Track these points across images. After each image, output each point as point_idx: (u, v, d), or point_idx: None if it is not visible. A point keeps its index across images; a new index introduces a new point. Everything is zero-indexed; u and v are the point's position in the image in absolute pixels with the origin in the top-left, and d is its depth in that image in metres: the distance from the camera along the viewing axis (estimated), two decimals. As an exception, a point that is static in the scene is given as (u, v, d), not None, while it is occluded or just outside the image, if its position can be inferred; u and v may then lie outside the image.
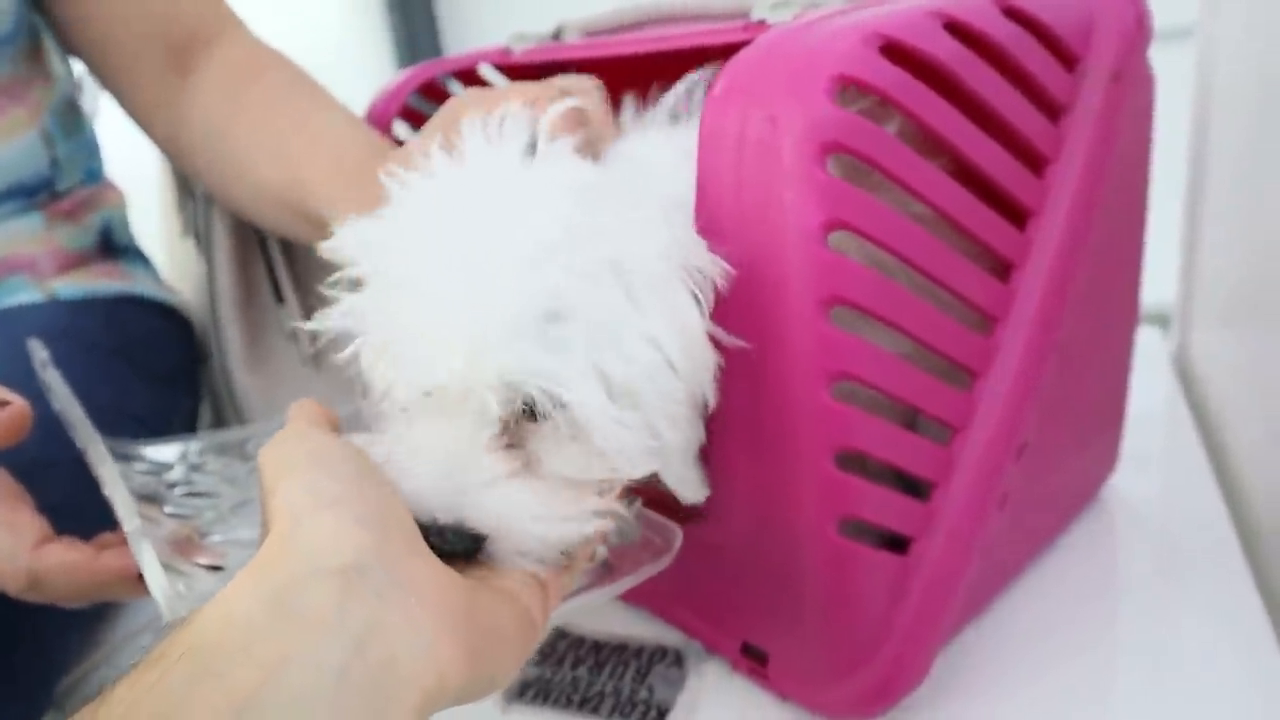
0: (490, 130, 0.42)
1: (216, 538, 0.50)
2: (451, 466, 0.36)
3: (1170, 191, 0.84)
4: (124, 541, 0.44)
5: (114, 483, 0.43)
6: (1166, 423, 0.76)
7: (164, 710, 0.26)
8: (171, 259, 0.92)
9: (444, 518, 0.35)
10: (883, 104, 0.41)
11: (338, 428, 0.40)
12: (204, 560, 0.47)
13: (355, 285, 0.40)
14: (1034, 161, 0.46)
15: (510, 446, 0.37)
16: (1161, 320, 0.92)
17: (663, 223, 0.39)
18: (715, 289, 0.39)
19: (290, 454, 0.34)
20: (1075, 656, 0.52)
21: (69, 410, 0.49)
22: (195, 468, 0.58)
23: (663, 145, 0.48)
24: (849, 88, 0.40)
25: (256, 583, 0.29)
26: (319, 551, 0.30)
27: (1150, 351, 0.86)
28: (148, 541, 0.39)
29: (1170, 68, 0.71)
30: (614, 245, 0.37)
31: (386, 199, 0.41)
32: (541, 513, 0.37)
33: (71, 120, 0.75)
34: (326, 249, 0.41)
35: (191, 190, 0.77)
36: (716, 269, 0.39)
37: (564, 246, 0.36)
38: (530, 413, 0.37)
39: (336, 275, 0.41)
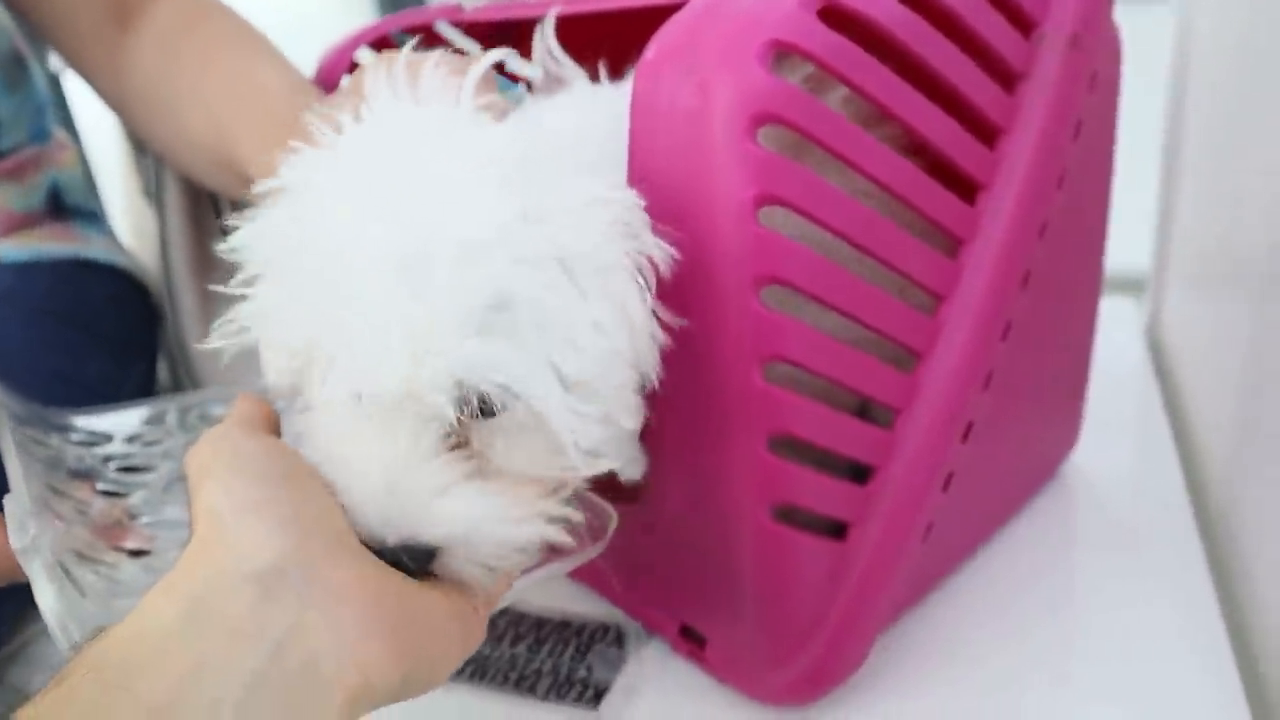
0: (399, 89, 0.38)
1: (146, 519, 0.49)
2: (392, 479, 0.33)
3: (1148, 156, 0.83)
4: None
5: (16, 487, 0.41)
6: (1135, 396, 0.74)
7: None
8: (131, 220, 0.90)
9: (393, 538, 0.33)
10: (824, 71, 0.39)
11: (276, 424, 0.38)
12: (131, 544, 0.46)
13: (263, 282, 0.37)
14: (986, 132, 0.44)
15: (456, 447, 0.35)
16: (1135, 288, 0.90)
17: (605, 202, 0.36)
18: (657, 271, 0.37)
19: (213, 457, 0.33)
20: (1024, 637, 0.51)
21: None
22: (133, 439, 0.57)
23: (597, 106, 0.45)
24: (790, 54, 0.38)
25: (173, 591, 0.29)
26: (237, 556, 0.30)
27: (1123, 321, 0.85)
28: (38, 560, 0.37)
29: (1148, 29, 0.69)
30: (556, 230, 0.34)
31: (284, 182, 0.37)
32: (504, 515, 0.34)
33: (15, 75, 0.73)
34: (226, 250, 0.37)
35: (145, 148, 0.75)
36: (661, 252, 0.36)
37: (504, 234, 0.33)
38: (480, 409, 0.34)
39: (241, 273, 0.37)
